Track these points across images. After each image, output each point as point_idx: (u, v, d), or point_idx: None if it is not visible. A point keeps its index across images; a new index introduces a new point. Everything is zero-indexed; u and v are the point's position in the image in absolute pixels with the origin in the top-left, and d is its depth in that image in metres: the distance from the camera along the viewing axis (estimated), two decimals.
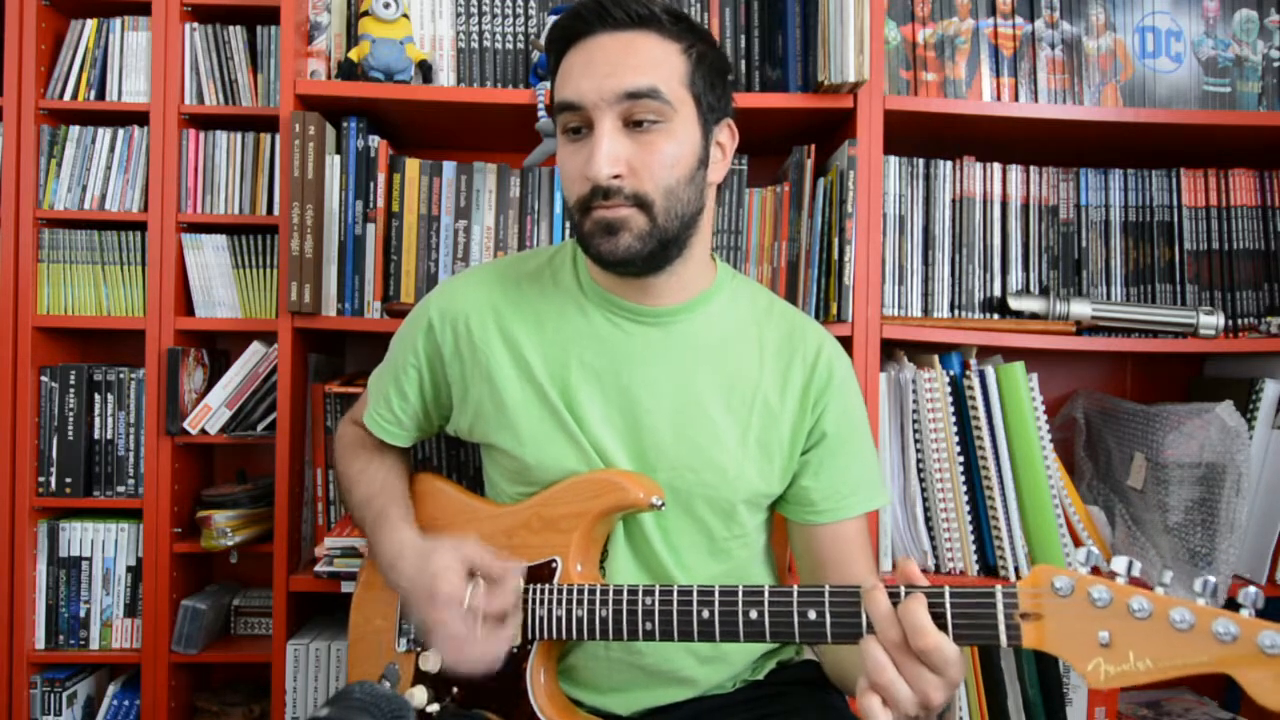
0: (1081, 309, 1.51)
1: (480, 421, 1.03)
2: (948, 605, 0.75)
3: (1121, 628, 0.69)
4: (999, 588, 0.74)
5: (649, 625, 0.88)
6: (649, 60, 0.90)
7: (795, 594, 0.83)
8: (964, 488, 1.44)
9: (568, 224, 1.53)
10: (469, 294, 1.04)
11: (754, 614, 0.84)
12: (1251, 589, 0.67)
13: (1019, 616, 0.73)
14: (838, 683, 1.05)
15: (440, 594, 0.88)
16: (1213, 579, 0.68)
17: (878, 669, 0.74)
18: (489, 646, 0.89)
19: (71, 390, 1.59)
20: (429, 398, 1.08)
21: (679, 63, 0.92)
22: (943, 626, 0.74)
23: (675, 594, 0.87)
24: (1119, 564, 0.71)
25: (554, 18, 1.49)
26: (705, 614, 0.86)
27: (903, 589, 0.76)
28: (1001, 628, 0.73)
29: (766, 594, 0.84)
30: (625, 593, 0.90)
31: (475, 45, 1.55)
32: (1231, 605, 0.67)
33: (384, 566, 1.00)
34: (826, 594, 0.81)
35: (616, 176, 0.89)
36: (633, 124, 0.90)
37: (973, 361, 1.46)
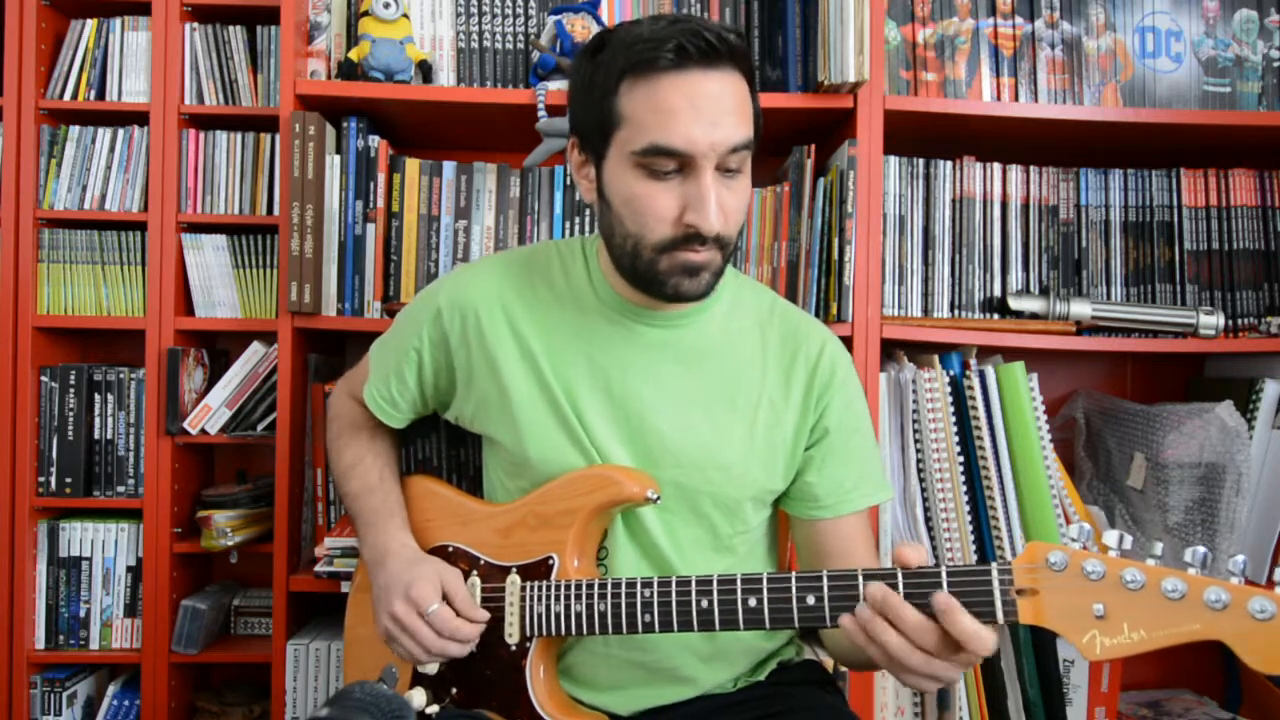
0: (1081, 309, 1.51)
1: (483, 412, 1.03)
2: (945, 585, 0.76)
3: (1115, 599, 0.70)
4: (995, 565, 0.76)
5: (648, 617, 0.88)
6: (741, 106, 0.90)
7: (794, 580, 0.83)
8: (964, 488, 1.44)
9: (568, 224, 1.53)
10: (480, 285, 1.04)
11: (753, 601, 0.85)
12: (1240, 557, 0.69)
13: (1015, 593, 0.74)
14: (842, 660, 1.07)
15: (412, 593, 0.94)
16: (1202, 549, 0.69)
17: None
18: (426, 649, 0.94)
19: (71, 390, 1.58)
20: (428, 384, 1.09)
21: (751, 104, 0.93)
22: None
23: (674, 584, 0.88)
24: (1110, 538, 0.72)
25: (559, 13, 1.49)
26: (704, 603, 0.86)
27: (899, 572, 0.77)
28: (998, 604, 0.75)
29: (765, 581, 0.85)
30: (624, 586, 0.90)
31: (475, 45, 1.55)
32: None
33: (371, 559, 1.03)
34: (825, 578, 0.82)
35: None
36: (724, 170, 0.90)
37: (973, 361, 1.46)
